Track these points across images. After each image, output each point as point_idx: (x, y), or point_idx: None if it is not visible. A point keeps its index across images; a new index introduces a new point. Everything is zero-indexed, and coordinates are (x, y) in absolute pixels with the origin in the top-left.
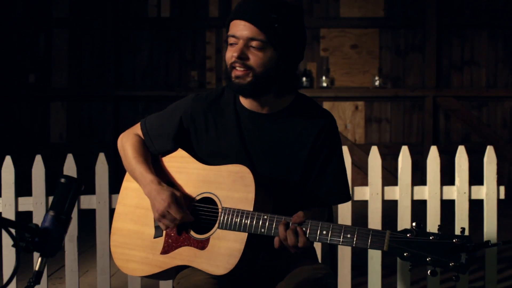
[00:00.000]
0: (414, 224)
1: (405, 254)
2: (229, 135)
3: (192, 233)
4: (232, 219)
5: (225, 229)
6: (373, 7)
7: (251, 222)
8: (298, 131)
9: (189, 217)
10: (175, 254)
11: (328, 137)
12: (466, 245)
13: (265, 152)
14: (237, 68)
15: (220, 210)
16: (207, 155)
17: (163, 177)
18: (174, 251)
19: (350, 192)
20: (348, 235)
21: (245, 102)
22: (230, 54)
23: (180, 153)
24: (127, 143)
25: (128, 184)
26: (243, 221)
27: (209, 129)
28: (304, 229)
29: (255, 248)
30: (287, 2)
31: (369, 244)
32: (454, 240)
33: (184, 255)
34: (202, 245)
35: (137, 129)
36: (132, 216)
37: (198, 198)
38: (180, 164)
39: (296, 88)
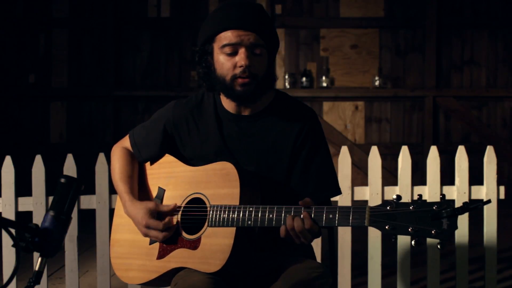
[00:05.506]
0: (394, 196)
1: (386, 227)
2: (211, 139)
3: (185, 234)
4: (220, 215)
5: (215, 226)
6: (373, 7)
7: (238, 215)
8: (279, 130)
9: (171, 225)
10: (170, 257)
11: (309, 133)
12: (446, 210)
13: (248, 154)
14: (244, 77)
15: (208, 208)
16: (193, 160)
17: (153, 185)
18: (169, 254)
19: (339, 185)
20: (330, 216)
21: (227, 105)
22: (233, 63)
23: (168, 158)
24: (115, 157)
25: None
26: (231, 215)
27: (192, 134)
28: (306, 213)
29: (246, 242)
30: (258, 4)
31: (350, 221)
32: (434, 207)
33: (178, 257)
34: (194, 245)
35: (126, 141)
36: (129, 227)
37: (187, 199)
38: (169, 169)
39: (273, 85)
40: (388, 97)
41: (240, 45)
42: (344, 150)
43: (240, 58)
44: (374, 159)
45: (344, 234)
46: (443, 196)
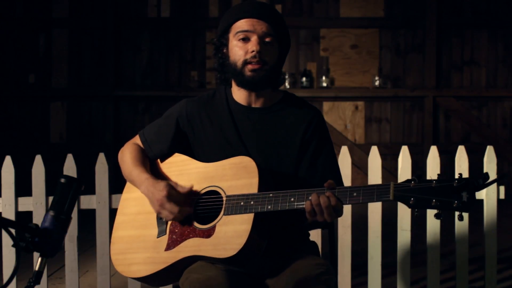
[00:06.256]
0: (415, 176)
1: (410, 201)
2: (225, 130)
3: (197, 224)
4: (237, 203)
5: (232, 214)
6: (373, 7)
7: (257, 202)
8: (288, 123)
9: (188, 210)
10: (181, 247)
11: (317, 129)
12: (467, 184)
13: (259, 144)
14: (254, 62)
15: (224, 198)
16: (207, 152)
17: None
18: (179, 245)
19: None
20: (354, 194)
21: (238, 97)
22: (245, 49)
23: (179, 157)
24: (126, 151)
25: (128, 195)
26: (249, 202)
27: (205, 127)
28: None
29: (262, 229)
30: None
31: (375, 197)
32: (454, 183)
33: (190, 247)
34: (208, 233)
35: (135, 139)
36: (134, 223)
37: (202, 192)
38: (181, 167)
39: (281, 83)
40: (388, 97)
41: (253, 33)
42: (344, 150)
43: (252, 44)
44: (374, 159)
45: (344, 234)
46: (460, 174)
